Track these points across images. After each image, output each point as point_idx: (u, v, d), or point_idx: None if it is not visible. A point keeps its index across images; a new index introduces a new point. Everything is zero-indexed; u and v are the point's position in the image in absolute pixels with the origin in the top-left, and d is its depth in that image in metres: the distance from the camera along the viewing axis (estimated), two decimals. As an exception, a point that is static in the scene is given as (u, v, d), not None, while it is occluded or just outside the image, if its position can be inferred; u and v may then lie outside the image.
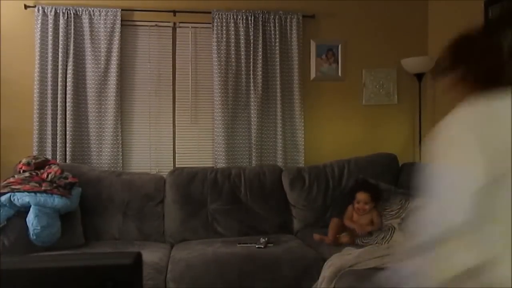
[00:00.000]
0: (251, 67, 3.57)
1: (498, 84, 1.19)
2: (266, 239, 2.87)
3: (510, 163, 1.11)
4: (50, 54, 3.33)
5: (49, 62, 3.33)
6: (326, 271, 2.42)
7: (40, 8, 3.32)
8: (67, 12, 3.36)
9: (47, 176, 2.89)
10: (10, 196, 2.68)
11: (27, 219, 2.67)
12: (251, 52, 3.57)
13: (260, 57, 3.57)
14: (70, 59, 3.37)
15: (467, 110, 1.19)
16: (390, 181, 3.30)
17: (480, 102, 1.18)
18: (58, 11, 3.35)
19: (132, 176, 3.27)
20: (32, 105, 3.33)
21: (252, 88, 3.58)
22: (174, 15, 3.54)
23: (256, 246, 2.80)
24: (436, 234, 1.15)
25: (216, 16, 3.53)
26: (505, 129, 1.13)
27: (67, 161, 3.34)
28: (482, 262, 1.11)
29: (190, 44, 3.61)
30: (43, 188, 2.77)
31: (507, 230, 1.11)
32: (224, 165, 3.52)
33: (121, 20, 3.43)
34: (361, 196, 2.98)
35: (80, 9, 3.39)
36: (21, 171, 2.94)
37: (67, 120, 3.36)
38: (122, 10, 3.43)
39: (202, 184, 3.25)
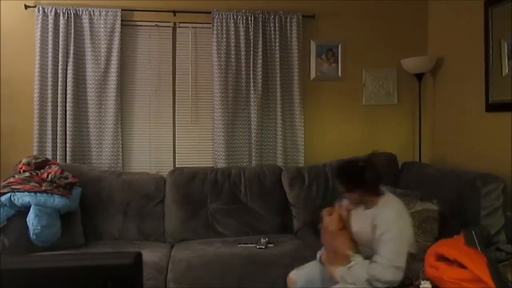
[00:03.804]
0: (251, 67, 3.57)
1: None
2: (267, 239, 2.86)
3: None
4: (50, 54, 3.33)
5: (49, 62, 3.34)
6: None
7: (40, 8, 3.32)
8: (67, 12, 3.36)
9: (47, 176, 2.89)
10: (10, 196, 2.68)
11: (27, 219, 2.67)
12: (251, 52, 3.57)
13: (260, 57, 3.57)
14: (70, 59, 3.37)
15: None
16: (390, 181, 3.30)
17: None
18: (58, 11, 3.35)
19: (132, 176, 3.27)
20: (32, 105, 3.33)
21: (252, 88, 3.58)
22: (174, 15, 3.55)
23: (257, 246, 2.80)
24: None
25: (216, 16, 3.53)
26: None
27: (67, 161, 3.34)
28: None
29: (190, 44, 3.61)
30: (43, 188, 2.77)
31: None
32: (224, 165, 3.52)
33: (121, 20, 3.43)
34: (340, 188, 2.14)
35: (80, 9, 3.39)
36: (21, 171, 2.94)
37: (67, 120, 3.36)
38: (122, 10, 3.43)
39: (202, 184, 3.25)
